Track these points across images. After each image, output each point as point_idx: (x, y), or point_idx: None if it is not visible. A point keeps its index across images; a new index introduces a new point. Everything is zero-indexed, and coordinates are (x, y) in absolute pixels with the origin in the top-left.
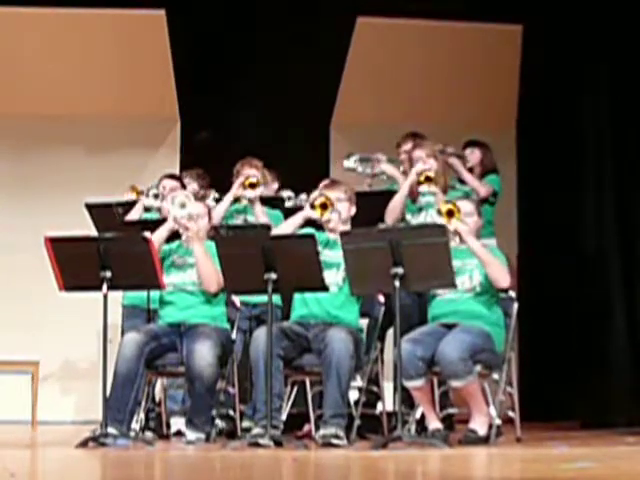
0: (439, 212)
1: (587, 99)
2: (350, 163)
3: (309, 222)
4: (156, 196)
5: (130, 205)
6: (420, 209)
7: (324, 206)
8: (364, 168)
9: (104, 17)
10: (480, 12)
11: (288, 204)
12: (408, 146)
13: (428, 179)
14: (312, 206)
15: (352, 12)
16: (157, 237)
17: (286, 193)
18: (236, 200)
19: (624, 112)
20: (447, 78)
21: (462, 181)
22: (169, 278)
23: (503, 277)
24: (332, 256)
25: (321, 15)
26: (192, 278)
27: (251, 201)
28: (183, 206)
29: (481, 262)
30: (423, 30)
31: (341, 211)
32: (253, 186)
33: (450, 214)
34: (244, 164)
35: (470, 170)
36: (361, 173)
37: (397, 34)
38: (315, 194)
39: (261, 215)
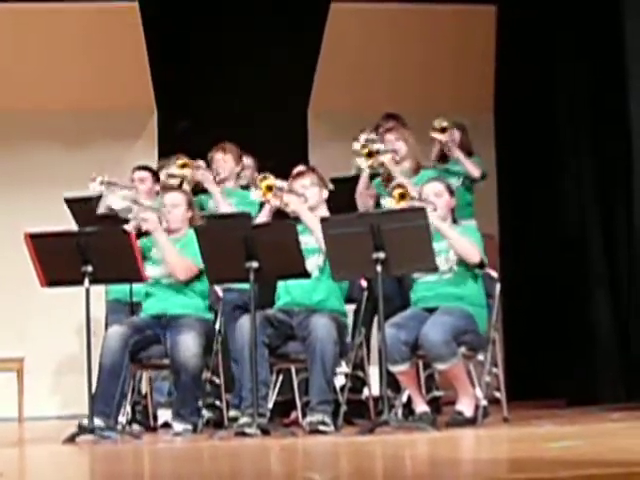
0: (393, 197)
1: (563, 79)
2: (358, 145)
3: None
4: (101, 183)
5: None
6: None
7: (269, 188)
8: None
9: (77, 10)
10: None
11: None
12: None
13: (402, 196)
14: (257, 187)
15: None
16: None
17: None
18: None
19: (601, 90)
20: (422, 61)
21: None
22: (148, 272)
23: (472, 252)
24: (311, 242)
25: (295, 2)
26: (164, 271)
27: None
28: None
29: (448, 239)
30: (397, 14)
31: (309, 197)
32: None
33: (402, 197)
34: (214, 149)
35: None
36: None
37: (371, 19)
38: (259, 176)
39: (221, 200)
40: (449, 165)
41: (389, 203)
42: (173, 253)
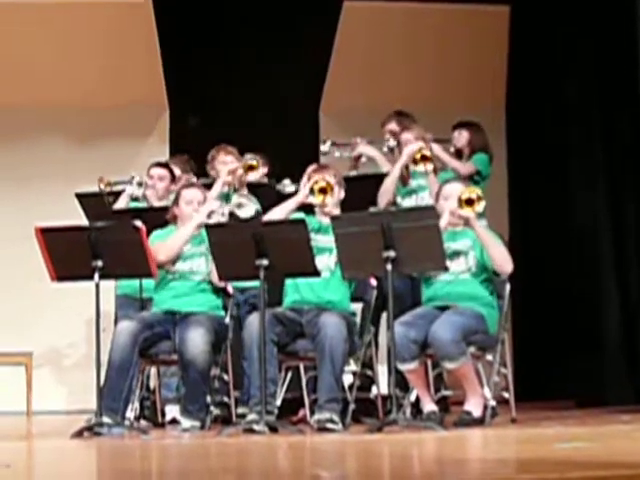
0: (459, 200)
1: (575, 78)
2: (325, 148)
3: (300, 206)
4: (140, 184)
5: (120, 194)
6: (411, 192)
7: (324, 190)
8: (342, 152)
9: (90, 5)
10: None
11: (289, 188)
12: (392, 125)
13: (424, 158)
14: (312, 191)
15: None
16: (185, 236)
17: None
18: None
19: (612, 90)
20: (435, 60)
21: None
22: (175, 266)
23: (508, 261)
24: (324, 241)
25: (308, 1)
26: (200, 267)
27: (241, 185)
28: (239, 206)
29: (486, 247)
30: (410, 12)
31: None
32: (252, 168)
33: (469, 202)
34: (219, 150)
35: (459, 151)
36: (340, 157)
37: (384, 17)
38: (315, 178)
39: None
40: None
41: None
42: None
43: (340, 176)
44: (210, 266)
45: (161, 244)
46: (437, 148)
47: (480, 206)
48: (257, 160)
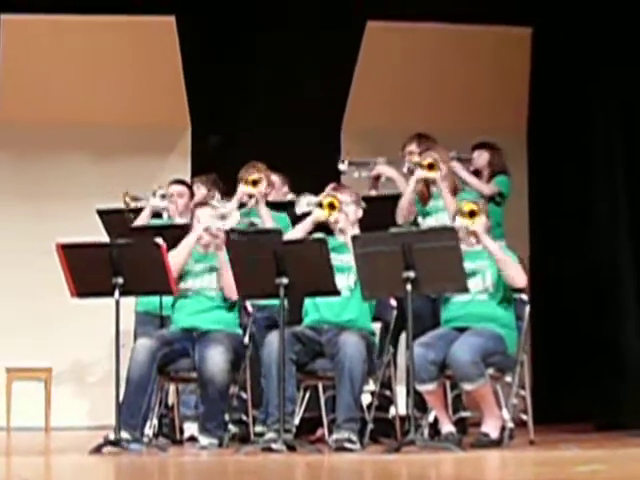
0: (461, 212)
1: (598, 102)
2: (344, 167)
3: (319, 227)
4: (163, 196)
5: (142, 211)
6: (431, 212)
7: (332, 206)
8: (361, 171)
9: (114, 24)
10: (490, 15)
11: (300, 209)
12: (412, 147)
13: (431, 166)
14: (320, 205)
15: (362, 16)
16: (187, 247)
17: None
18: (242, 204)
19: (635, 115)
20: (457, 81)
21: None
22: (186, 284)
23: (519, 276)
24: (343, 260)
25: (331, 19)
26: (210, 284)
27: (257, 203)
28: (224, 218)
29: (497, 261)
30: (433, 33)
31: (348, 213)
32: (255, 183)
33: (472, 214)
34: (247, 168)
35: (478, 172)
36: (359, 177)
37: (407, 38)
38: (324, 194)
39: (267, 217)
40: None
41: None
42: (230, 272)
43: (358, 196)
44: (222, 282)
45: None
46: (459, 167)
47: (482, 217)
48: (260, 176)
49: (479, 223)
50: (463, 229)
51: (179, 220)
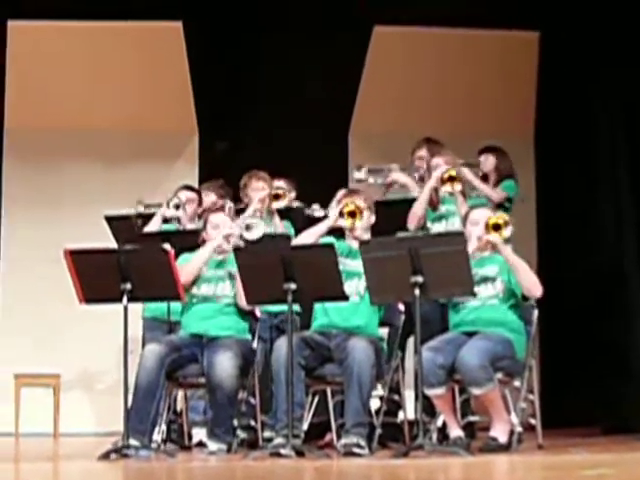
0: (486, 225)
1: (604, 106)
2: (361, 175)
3: (331, 231)
4: (177, 207)
5: (149, 217)
6: (440, 217)
7: (353, 214)
8: (376, 178)
9: (120, 30)
10: (497, 19)
11: (318, 213)
12: (422, 152)
13: (452, 178)
14: (341, 214)
15: (369, 21)
16: (203, 258)
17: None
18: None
19: None
20: (465, 85)
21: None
22: (200, 290)
23: (536, 286)
24: (353, 265)
25: (338, 24)
26: (224, 291)
27: (270, 212)
28: (248, 228)
29: (515, 271)
30: (440, 38)
31: (363, 220)
32: (277, 197)
33: (496, 228)
34: (251, 177)
35: (485, 177)
36: (373, 184)
37: (414, 42)
38: (345, 202)
39: (280, 227)
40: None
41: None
42: None
43: (371, 201)
44: (236, 289)
45: (181, 266)
46: (469, 173)
47: (507, 231)
48: (283, 190)
49: (504, 236)
50: (483, 239)
51: (188, 226)
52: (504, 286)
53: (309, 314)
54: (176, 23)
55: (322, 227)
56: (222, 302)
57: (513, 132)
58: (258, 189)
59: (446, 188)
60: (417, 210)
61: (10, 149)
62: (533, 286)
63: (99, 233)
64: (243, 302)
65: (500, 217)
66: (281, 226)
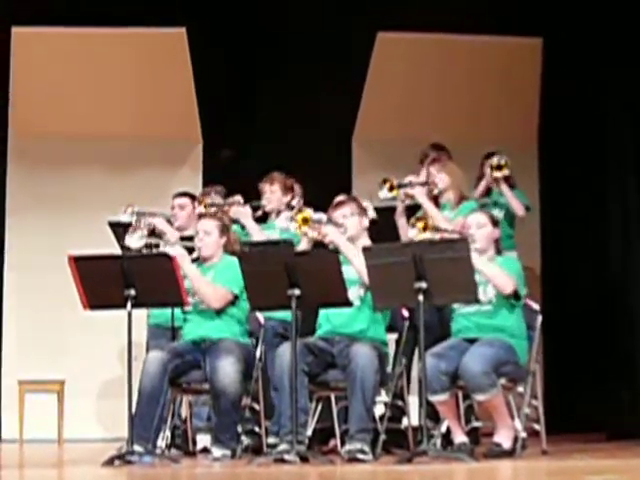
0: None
1: (609, 112)
2: (384, 194)
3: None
4: (152, 232)
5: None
6: None
7: (305, 220)
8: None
9: (125, 36)
10: (500, 25)
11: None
12: (433, 169)
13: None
14: (293, 220)
15: (372, 27)
16: (192, 273)
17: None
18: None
19: None
20: (468, 92)
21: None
22: (194, 298)
23: (504, 283)
24: (351, 273)
25: (341, 31)
26: None
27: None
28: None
29: (484, 276)
30: (443, 44)
31: (350, 227)
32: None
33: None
34: (265, 181)
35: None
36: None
37: (417, 49)
38: (295, 210)
39: (256, 231)
40: (493, 196)
41: (415, 234)
42: (202, 283)
43: (361, 206)
44: (199, 295)
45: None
46: (503, 185)
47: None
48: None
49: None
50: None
51: (182, 234)
52: (495, 291)
53: (312, 320)
54: (180, 29)
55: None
56: (205, 308)
57: (516, 139)
58: (266, 192)
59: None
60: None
61: (15, 156)
62: (503, 283)
63: (104, 239)
64: (211, 304)
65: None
66: (257, 231)
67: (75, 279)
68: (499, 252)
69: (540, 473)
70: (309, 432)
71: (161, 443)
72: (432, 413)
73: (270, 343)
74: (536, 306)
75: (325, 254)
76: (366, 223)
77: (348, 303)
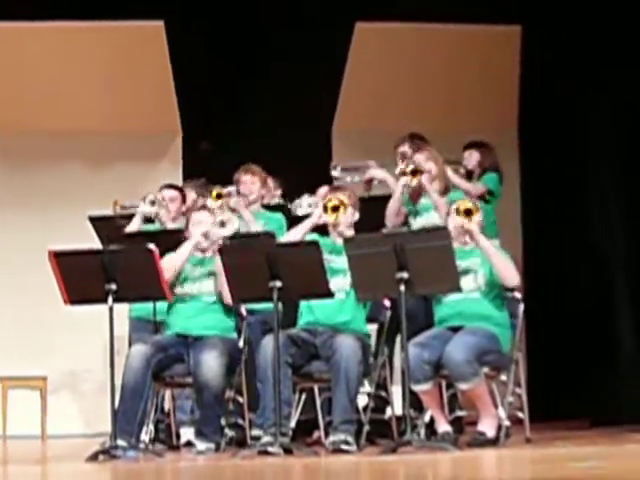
0: (457, 210)
1: (587, 98)
2: (336, 173)
3: (315, 228)
4: (152, 203)
5: (133, 217)
6: (421, 210)
7: (336, 209)
8: (353, 176)
9: (102, 29)
10: (478, 14)
11: (301, 211)
12: (405, 147)
13: (414, 172)
14: (325, 209)
15: (350, 17)
16: (185, 253)
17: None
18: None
19: (625, 110)
20: (447, 81)
21: None
22: (183, 289)
23: (512, 275)
24: (339, 262)
25: (320, 21)
26: (208, 288)
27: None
28: (223, 225)
29: (490, 261)
30: (422, 33)
31: (346, 216)
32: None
33: (468, 213)
34: (241, 171)
35: (470, 173)
36: (350, 182)
37: (396, 38)
38: (328, 197)
39: (252, 221)
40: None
41: (453, 220)
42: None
43: (355, 198)
44: (219, 287)
45: (162, 262)
46: (449, 170)
47: (478, 216)
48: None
49: (476, 221)
50: (458, 227)
51: (171, 225)
52: (486, 279)
53: (294, 312)
54: (158, 22)
55: (307, 224)
56: (206, 300)
57: (496, 127)
58: (246, 182)
59: (413, 183)
60: (392, 208)
61: None
62: (509, 275)
63: (85, 234)
64: (228, 299)
65: (467, 202)
66: (252, 221)
67: (56, 274)
68: None
69: (524, 461)
70: (293, 424)
71: (145, 437)
72: (415, 403)
73: (257, 336)
74: (518, 294)
75: (306, 245)
76: (357, 217)
77: (330, 294)
